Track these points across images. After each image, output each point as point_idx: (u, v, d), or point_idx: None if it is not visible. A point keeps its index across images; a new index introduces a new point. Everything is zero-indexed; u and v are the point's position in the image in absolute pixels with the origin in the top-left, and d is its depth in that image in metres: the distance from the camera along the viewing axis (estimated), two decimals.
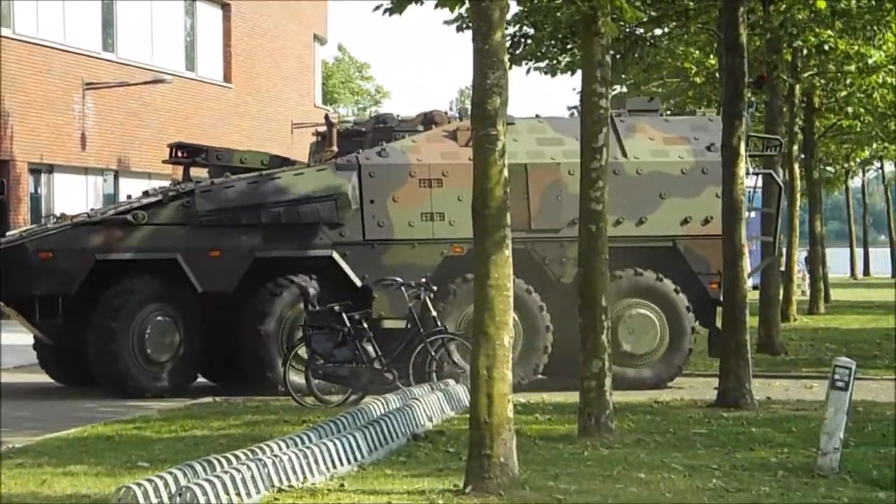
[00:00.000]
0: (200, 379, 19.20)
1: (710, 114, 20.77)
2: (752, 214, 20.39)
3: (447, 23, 21.66)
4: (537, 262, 18.76)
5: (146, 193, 19.50)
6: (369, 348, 16.90)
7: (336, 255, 18.46)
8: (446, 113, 19.86)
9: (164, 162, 20.87)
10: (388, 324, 18.29)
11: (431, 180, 18.62)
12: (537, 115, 19.96)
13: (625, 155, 19.05)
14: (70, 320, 18.27)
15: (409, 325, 17.28)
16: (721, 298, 18.76)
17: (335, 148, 19.38)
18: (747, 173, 19.69)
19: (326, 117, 20.19)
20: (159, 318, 18.27)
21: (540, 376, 18.74)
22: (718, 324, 18.88)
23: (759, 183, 23.28)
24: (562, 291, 18.63)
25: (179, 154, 20.15)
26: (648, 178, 18.98)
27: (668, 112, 32.11)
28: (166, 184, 22.90)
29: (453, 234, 18.53)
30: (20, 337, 21.82)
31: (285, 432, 13.17)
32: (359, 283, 18.41)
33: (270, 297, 18.27)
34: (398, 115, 19.90)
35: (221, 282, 18.32)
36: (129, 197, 18.95)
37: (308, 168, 19.01)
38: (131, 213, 18.35)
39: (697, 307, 19.03)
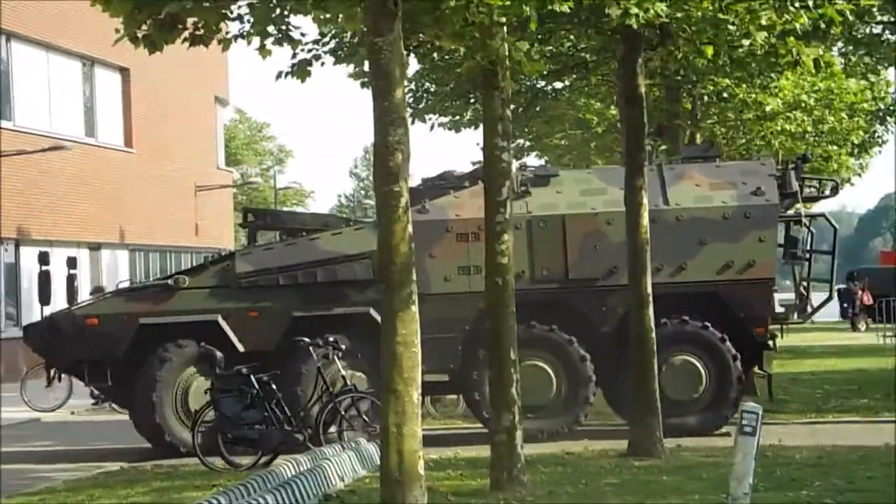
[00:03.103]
0: None
1: (766, 158, 20.78)
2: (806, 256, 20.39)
3: (351, 76, 21.63)
4: (577, 313, 18.81)
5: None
6: (278, 409, 16.77)
7: (374, 312, 18.36)
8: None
9: (240, 225, 21.30)
10: (427, 378, 18.40)
11: (469, 234, 18.70)
12: (587, 166, 19.93)
13: (666, 203, 18.99)
14: (120, 384, 18.87)
15: (317, 385, 17.20)
16: (768, 342, 19.04)
17: None
18: (801, 216, 19.85)
19: None
20: (202, 378, 18.55)
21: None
22: (767, 368, 19.20)
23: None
24: (603, 340, 18.71)
25: (249, 219, 20.81)
26: (689, 225, 18.87)
27: (571, 165, 32.45)
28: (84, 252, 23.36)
29: None
30: None
31: (194, 498, 12.99)
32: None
33: (305, 357, 18.04)
34: (456, 172, 20.12)
35: (262, 341, 18.62)
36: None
37: (347, 228, 19.42)
38: (172, 278, 19.17)
39: (744, 352, 18.92)
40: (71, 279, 19.68)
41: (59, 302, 22.17)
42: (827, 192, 20.76)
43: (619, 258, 18.32)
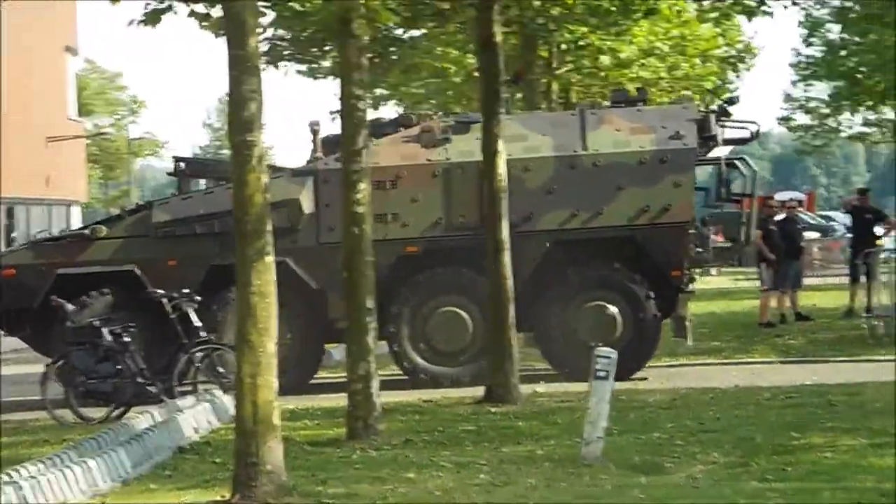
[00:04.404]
0: None
1: (688, 101, 20.80)
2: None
3: (204, 27, 21.33)
4: None
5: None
6: (131, 362, 16.57)
7: (290, 261, 18.36)
8: (418, 115, 20.12)
9: (168, 174, 21.29)
10: (343, 325, 18.41)
11: (386, 182, 18.73)
12: (508, 112, 19.76)
13: (585, 148, 18.92)
14: (38, 332, 19.03)
15: (172, 337, 17.00)
16: (684, 286, 19.19)
17: (320, 154, 19.40)
18: (720, 161, 19.84)
19: (310, 125, 19.94)
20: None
21: None
22: (682, 311, 19.35)
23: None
24: (519, 286, 17.81)
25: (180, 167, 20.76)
26: (606, 170, 18.80)
27: (438, 114, 32.38)
28: None
29: (407, 235, 18.89)
30: None
31: (44, 453, 12.75)
32: (314, 286, 18.77)
33: (224, 307, 18.32)
34: (383, 120, 20.09)
35: (179, 291, 18.06)
36: None
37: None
38: (89, 228, 19.35)
39: (660, 296, 18.94)
40: (9, 229, 19.85)
41: None
42: (750, 136, 20.85)
43: (536, 204, 18.45)
